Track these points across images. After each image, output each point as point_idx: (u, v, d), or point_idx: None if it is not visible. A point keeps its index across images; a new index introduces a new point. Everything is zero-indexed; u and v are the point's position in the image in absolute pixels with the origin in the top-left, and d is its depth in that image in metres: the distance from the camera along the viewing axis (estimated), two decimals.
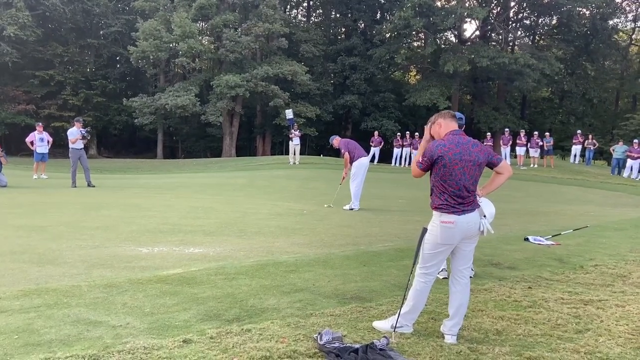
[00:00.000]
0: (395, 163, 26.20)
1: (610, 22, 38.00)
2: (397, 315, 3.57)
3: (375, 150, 25.79)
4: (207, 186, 14.65)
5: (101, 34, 37.64)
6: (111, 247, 6.10)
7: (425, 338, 3.50)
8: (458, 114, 3.81)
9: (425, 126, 3.67)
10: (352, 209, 10.16)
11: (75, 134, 13.11)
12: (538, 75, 32.50)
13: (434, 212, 3.50)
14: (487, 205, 3.80)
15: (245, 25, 33.06)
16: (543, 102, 44.50)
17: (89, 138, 13.65)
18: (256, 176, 18.36)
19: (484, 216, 3.60)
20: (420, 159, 3.49)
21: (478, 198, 3.65)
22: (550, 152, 25.02)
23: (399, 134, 27.67)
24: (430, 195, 3.54)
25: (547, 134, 25.49)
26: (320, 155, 31.37)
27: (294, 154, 23.40)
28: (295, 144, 23.25)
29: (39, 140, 15.71)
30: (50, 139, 16.24)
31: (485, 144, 22.61)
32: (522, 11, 39.67)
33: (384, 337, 3.29)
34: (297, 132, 23.40)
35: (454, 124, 3.49)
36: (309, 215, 9.32)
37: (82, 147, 13.33)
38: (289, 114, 24.78)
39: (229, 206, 10.06)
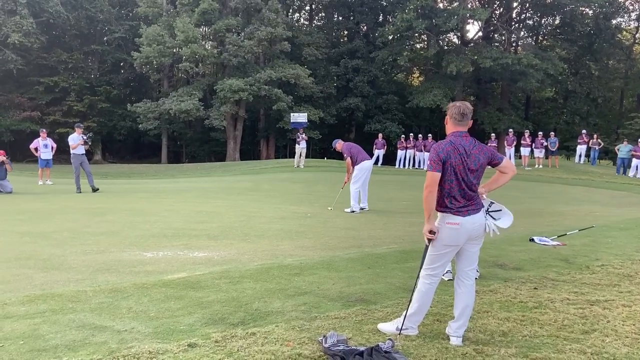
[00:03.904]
0: (399, 165, 26.16)
1: (614, 22, 37.98)
2: (402, 317, 3.56)
3: (379, 153, 25.79)
4: (211, 190, 14.67)
5: (105, 40, 37.85)
6: (116, 252, 6.11)
7: (430, 340, 3.49)
8: None
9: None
10: (353, 211, 10.14)
11: (76, 139, 13.16)
12: (542, 75, 32.44)
13: (439, 214, 3.49)
14: (506, 215, 3.79)
15: (248, 29, 33.17)
16: (547, 102, 44.41)
17: (90, 143, 13.69)
18: (260, 180, 18.38)
19: (495, 218, 3.61)
20: (432, 165, 3.41)
21: (483, 198, 3.64)
22: (555, 153, 24.92)
23: (402, 136, 27.65)
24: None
25: (551, 134, 25.40)
26: (324, 158, 31.41)
27: (300, 157, 23.45)
28: (301, 147, 23.32)
29: (43, 146, 15.78)
30: (54, 145, 16.30)
31: (489, 144, 22.68)
32: (524, 11, 39.66)
33: (389, 339, 3.29)
34: (303, 136, 23.48)
35: (460, 127, 3.48)
36: (312, 218, 9.31)
37: (84, 152, 13.38)
38: (303, 117, 24.98)
39: (233, 210, 10.06)
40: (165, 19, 34.05)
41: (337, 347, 3.12)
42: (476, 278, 3.84)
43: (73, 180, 13.45)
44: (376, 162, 24.16)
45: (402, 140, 26.68)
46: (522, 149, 25.03)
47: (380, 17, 42.39)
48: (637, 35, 42.08)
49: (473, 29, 57.73)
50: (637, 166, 21.64)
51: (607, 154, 34.33)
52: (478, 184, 3.48)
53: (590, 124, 38.03)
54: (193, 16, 32.53)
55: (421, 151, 25.07)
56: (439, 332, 3.63)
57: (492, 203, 3.86)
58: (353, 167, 10.26)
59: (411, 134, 27.01)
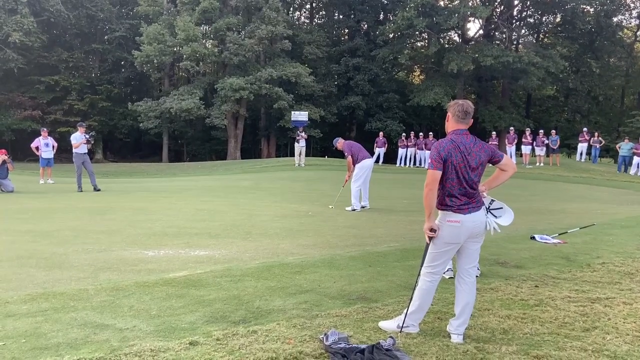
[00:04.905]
0: (400, 163, 26.15)
1: (615, 19, 37.91)
2: (403, 315, 3.56)
3: (380, 151, 25.79)
4: (213, 189, 14.68)
5: (106, 39, 37.85)
6: (117, 250, 6.12)
7: (431, 338, 3.50)
8: None
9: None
10: (354, 210, 10.15)
11: (78, 138, 13.17)
12: (543, 73, 32.40)
13: (440, 212, 3.49)
14: (506, 213, 3.80)
15: (248, 28, 33.18)
16: (548, 100, 44.34)
17: (92, 142, 13.70)
18: (261, 178, 18.39)
19: (496, 216, 3.61)
20: (433, 163, 3.39)
21: (484, 196, 3.65)
22: (556, 151, 24.90)
23: (403, 134, 27.64)
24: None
25: (552, 132, 25.37)
26: (324, 157, 31.41)
27: (300, 156, 23.48)
28: (301, 145, 23.36)
29: (44, 145, 15.80)
30: (55, 144, 16.32)
31: (490, 143, 22.66)
32: (525, 9, 39.60)
33: (390, 337, 3.29)
34: (303, 134, 23.52)
35: (461, 125, 3.49)
36: (314, 216, 9.32)
37: (86, 151, 13.39)
38: (303, 115, 25.08)
39: (235, 208, 10.07)
40: (166, 18, 34.06)
41: (338, 345, 3.13)
42: (477, 276, 3.85)
43: (74, 179, 13.47)
44: (377, 161, 24.17)
45: (403, 138, 26.67)
46: (523, 147, 25.02)
47: (381, 15, 42.34)
48: (638, 33, 41.98)
49: (474, 27, 57.77)
50: (638, 164, 21.60)
51: (608, 151, 34.26)
52: (479, 181, 3.49)
53: (592, 121, 38.00)
54: (194, 15, 32.53)
55: (422, 149, 25.07)
56: (440, 329, 3.64)
57: (492, 201, 3.86)
58: (354, 166, 10.27)
59: (412, 132, 26.99)
